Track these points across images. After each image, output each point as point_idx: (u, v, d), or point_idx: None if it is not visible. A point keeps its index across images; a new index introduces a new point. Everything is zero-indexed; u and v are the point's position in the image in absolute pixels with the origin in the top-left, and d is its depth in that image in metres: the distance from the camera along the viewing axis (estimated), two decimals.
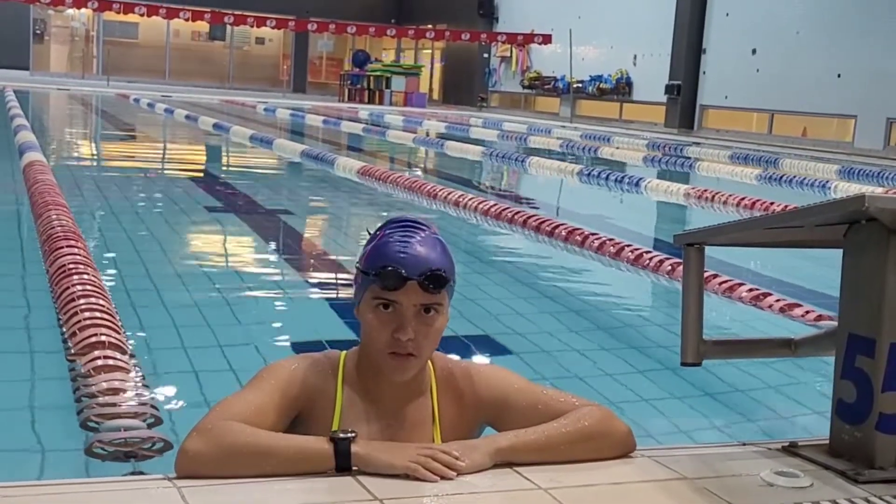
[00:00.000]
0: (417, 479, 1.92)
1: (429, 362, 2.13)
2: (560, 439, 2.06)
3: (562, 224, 7.75)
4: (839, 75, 21.46)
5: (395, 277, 1.96)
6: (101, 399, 3.24)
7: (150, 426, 3.11)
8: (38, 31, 37.38)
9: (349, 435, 1.93)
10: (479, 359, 4.31)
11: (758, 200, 10.18)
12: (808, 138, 22.33)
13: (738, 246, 2.76)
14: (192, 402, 3.55)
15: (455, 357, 2.27)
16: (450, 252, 2.07)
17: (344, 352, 2.16)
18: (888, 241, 2.16)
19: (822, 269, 5.71)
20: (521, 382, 2.18)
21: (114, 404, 3.23)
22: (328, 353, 2.16)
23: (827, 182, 13.37)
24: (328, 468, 1.92)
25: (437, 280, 1.98)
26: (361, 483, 1.91)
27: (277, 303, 5.44)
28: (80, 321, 3.94)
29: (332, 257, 7.19)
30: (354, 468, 1.93)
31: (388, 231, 2.05)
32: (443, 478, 1.93)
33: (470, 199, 9.14)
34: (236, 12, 34.35)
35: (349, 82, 34.89)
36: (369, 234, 2.09)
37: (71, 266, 4.81)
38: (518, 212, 8.41)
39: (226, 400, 2.01)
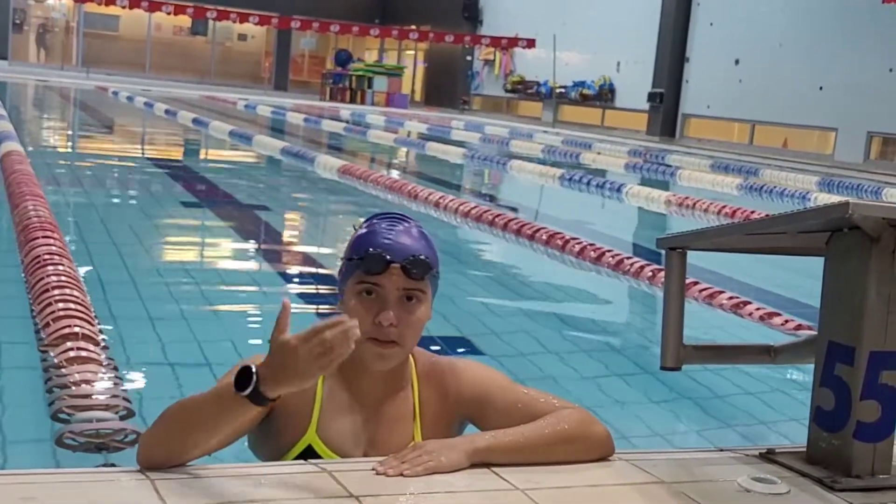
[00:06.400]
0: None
1: (410, 358, 2.12)
2: (539, 441, 2.05)
3: (542, 228, 7.74)
4: (821, 88, 21.62)
5: (378, 260, 1.98)
6: (72, 390, 3.20)
7: (122, 418, 3.08)
8: (18, 21, 37.03)
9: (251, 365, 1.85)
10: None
11: (738, 209, 10.21)
12: (788, 150, 22.47)
13: (720, 251, 2.75)
14: (167, 395, 3.51)
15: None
16: (434, 246, 2.08)
17: None
18: (870, 250, 2.15)
19: (802, 279, 5.73)
20: (503, 381, 2.18)
21: (85, 395, 3.19)
22: None
23: (807, 193, 13.45)
24: (242, 399, 1.81)
25: (420, 265, 1.99)
26: (337, 480, 1.89)
27: (254, 298, 5.40)
28: (53, 312, 3.90)
29: (310, 254, 7.15)
30: (274, 399, 1.83)
31: (373, 222, 2.08)
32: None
33: (451, 201, 9.11)
34: (219, 8, 34.17)
35: (331, 81, 34.76)
36: (355, 229, 2.11)
37: (46, 257, 4.76)
38: (499, 214, 8.39)
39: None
